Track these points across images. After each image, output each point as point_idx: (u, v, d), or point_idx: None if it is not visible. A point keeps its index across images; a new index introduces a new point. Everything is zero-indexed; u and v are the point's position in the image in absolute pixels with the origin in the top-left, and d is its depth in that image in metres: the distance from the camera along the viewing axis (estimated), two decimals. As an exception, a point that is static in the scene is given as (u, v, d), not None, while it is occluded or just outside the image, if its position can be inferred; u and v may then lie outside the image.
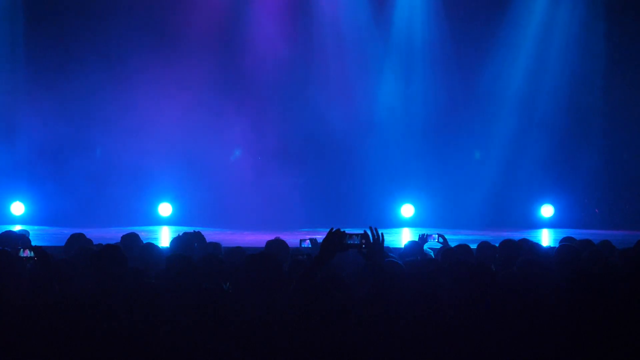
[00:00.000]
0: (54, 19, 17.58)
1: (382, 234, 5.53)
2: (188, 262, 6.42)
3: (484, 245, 8.43)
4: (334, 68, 17.60)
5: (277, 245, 8.22)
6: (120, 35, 17.43)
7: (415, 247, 8.83)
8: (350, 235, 5.53)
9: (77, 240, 8.66)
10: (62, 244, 8.74)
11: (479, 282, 5.81)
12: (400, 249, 9.23)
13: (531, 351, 5.24)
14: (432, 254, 8.74)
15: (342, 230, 5.55)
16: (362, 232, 5.55)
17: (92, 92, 17.50)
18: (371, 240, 5.49)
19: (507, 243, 8.05)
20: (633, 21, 16.87)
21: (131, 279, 6.44)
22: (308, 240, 8.99)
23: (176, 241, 8.35)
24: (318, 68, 17.66)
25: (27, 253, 6.48)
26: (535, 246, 8.35)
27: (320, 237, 9.05)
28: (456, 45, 17.43)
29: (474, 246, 8.57)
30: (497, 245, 8.20)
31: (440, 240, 9.05)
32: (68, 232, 8.96)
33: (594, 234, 14.16)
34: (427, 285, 6.16)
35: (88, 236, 8.89)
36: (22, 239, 8.89)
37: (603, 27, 16.90)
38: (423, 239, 9.14)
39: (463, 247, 8.36)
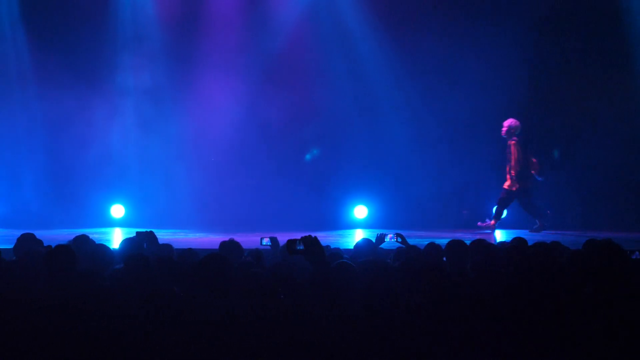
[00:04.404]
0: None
1: (315, 237, 5.54)
2: (146, 262, 6.37)
3: (431, 246, 8.46)
4: (288, 66, 17.56)
5: (230, 246, 8.19)
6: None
7: (368, 247, 8.82)
8: (299, 241, 5.55)
9: (26, 241, 8.58)
10: (12, 245, 8.64)
11: (433, 282, 5.91)
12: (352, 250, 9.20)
13: (484, 351, 5.27)
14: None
15: (313, 235, 5.57)
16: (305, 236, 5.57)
17: (44, 93, 17.32)
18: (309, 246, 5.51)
19: (455, 243, 8.10)
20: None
21: (82, 280, 6.40)
22: (268, 239, 8.94)
23: (127, 241, 8.31)
24: (276, 64, 17.61)
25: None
26: (488, 246, 8.42)
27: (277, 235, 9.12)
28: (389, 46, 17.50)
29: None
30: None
31: (399, 239, 9.03)
32: (19, 234, 8.85)
33: (544, 235, 14.32)
34: (382, 285, 6.11)
35: (39, 237, 8.80)
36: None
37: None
38: (381, 238, 9.16)
39: (431, 247, 8.38)
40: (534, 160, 16.38)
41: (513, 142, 16.20)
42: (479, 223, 16.39)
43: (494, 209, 16.47)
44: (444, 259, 8.04)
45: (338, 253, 8.02)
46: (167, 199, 17.51)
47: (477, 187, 17.54)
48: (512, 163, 16.17)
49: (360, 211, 17.81)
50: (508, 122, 16.23)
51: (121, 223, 17.59)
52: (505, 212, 16.54)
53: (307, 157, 18.15)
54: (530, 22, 16.97)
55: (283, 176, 17.59)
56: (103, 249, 7.98)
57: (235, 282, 5.89)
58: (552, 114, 17.39)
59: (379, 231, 9.66)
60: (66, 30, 17.42)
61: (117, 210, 17.90)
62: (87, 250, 7.96)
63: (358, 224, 17.55)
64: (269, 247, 8.88)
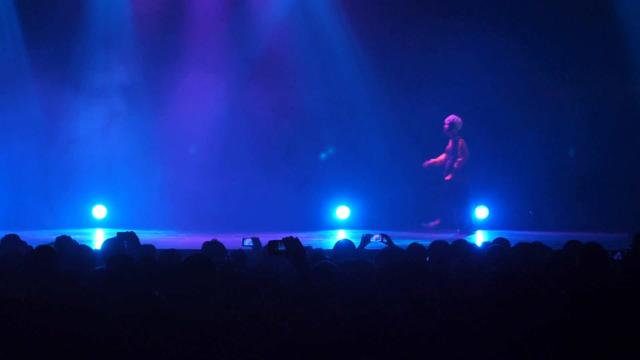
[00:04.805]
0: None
1: (296, 238, 5.54)
2: (127, 263, 6.35)
3: (414, 246, 8.43)
4: (270, 67, 17.54)
5: (213, 247, 8.18)
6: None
7: (348, 246, 8.80)
8: (280, 242, 5.55)
9: (9, 242, 8.55)
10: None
11: (416, 283, 5.91)
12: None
13: (467, 351, 5.28)
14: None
15: (294, 237, 5.57)
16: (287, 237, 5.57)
17: (23, 93, 17.25)
18: (290, 247, 5.51)
19: (437, 244, 8.10)
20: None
21: (63, 281, 6.35)
22: (250, 239, 8.95)
23: (109, 242, 8.30)
24: (259, 65, 17.58)
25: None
26: (470, 247, 8.43)
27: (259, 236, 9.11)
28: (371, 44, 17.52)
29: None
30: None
31: (384, 240, 9.02)
32: (1, 234, 8.82)
33: (527, 235, 14.34)
34: (364, 286, 6.14)
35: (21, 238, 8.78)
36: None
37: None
38: (366, 239, 9.15)
39: (415, 247, 8.37)
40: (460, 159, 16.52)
41: (462, 139, 16.28)
42: (458, 230, 16.45)
43: (461, 211, 16.54)
44: (427, 259, 8.02)
45: (320, 254, 8.00)
46: (150, 200, 17.44)
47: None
48: (463, 157, 16.23)
49: (342, 212, 17.79)
50: (450, 119, 16.31)
51: (103, 224, 17.52)
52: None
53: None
54: (512, 19, 16.99)
55: (265, 177, 17.56)
56: (85, 249, 7.92)
57: (219, 283, 5.87)
58: (535, 113, 17.40)
59: (363, 232, 9.65)
60: (45, 29, 17.36)
61: (99, 211, 17.81)
62: (69, 251, 7.96)
63: (340, 225, 17.54)
64: (250, 248, 8.86)
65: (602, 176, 17.11)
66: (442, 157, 16.47)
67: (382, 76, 17.50)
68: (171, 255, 7.84)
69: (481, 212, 17.32)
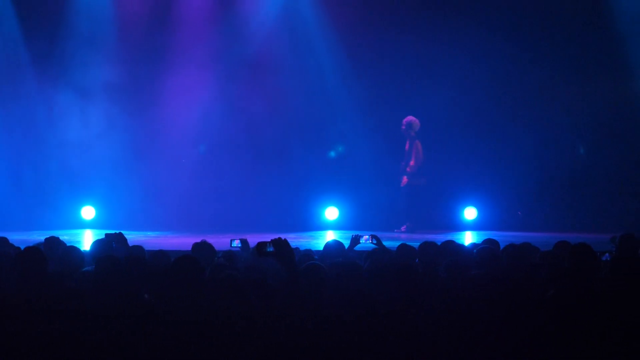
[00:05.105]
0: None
1: (285, 239, 5.55)
2: (116, 263, 6.34)
3: (404, 247, 8.42)
4: (258, 69, 17.53)
5: (203, 248, 8.16)
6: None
7: (337, 247, 8.79)
8: (269, 243, 5.55)
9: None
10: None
11: (405, 283, 5.89)
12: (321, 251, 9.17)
13: (456, 351, 5.29)
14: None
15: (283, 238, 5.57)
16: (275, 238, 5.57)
17: (10, 92, 17.20)
18: (278, 248, 5.51)
19: (427, 245, 8.11)
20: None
21: (52, 282, 6.35)
22: (238, 240, 8.94)
23: (98, 243, 8.28)
24: (247, 66, 17.57)
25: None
26: (460, 248, 8.44)
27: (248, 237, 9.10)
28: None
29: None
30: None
31: (374, 241, 9.00)
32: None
33: (516, 236, 14.35)
34: (352, 286, 6.18)
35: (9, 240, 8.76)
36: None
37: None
38: (356, 240, 9.13)
39: (404, 248, 8.36)
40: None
41: (418, 141, 16.40)
42: (402, 228, 16.50)
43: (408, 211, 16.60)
44: (417, 260, 8.02)
45: (309, 254, 8.00)
46: (138, 200, 17.40)
47: (448, 186, 17.54)
48: (416, 161, 16.43)
49: (331, 213, 17.78)
50: (407, 119, 16.38)
51: (92, 225, 17.46)
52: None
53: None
54: (500, 20, 17.02)
55: (254, 178, 17.55)
56: (73, 250, 7.92)
57: (208, 284, 5.86)
58: (523, 114, 17.42)
59: (352, 233, 9.64)
60: (30, 28, 17.29)
61: (88, 212, 17.76)
62: (58, 252, 7.95)
63: (329, 226, 17.53)
64: (239, 249, 8.85)
65: (590, 177, 17.15)
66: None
67: (372, 77, 17.47)
68: (161, 256, 7.83)
69: (470, 213, 17.35)
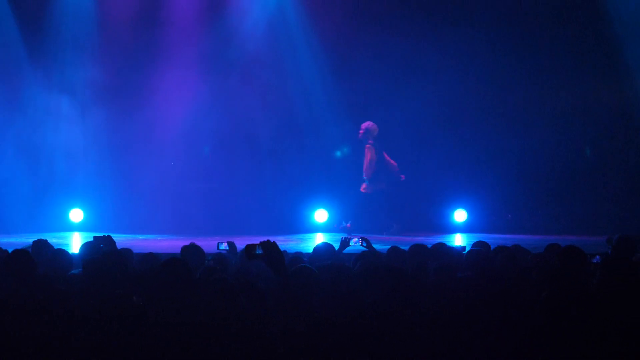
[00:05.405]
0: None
1: (274, 242, 5.54)
2: (104, 266, 6.30)
3: (394, 250, 8.41)
4: (246, 70, 17.49)
5: (192, 251, 8.11)
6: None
7: (327, 250, 8.76)
8: (258, 245, 5.54)
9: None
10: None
11: (394, 286, 5.90)
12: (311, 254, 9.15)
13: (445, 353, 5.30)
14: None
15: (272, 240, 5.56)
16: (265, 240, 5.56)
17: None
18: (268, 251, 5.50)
19: (417, 248, 8.11)
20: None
21: (40, 285, 6.34)
22: (225, 243, 8.89)
23: (86, 246, 8.25)
24: (235, 69, 17.52)
25: None
26: (450, 250, 8.44)
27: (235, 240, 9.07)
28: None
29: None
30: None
31: (364, 243, 8.98)
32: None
33: (506, 239, 14.35)
34: (342, 289, 6.19)
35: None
36: None
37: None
38: (345, 242, 9.11)
39: (394, 250, 8.34)
40: (393, 162, 16.61)
41: (368, 145, 16.42)
42: (347, 224, 16.52)
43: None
44: (407, 262, 8.01)
45: (299, 257, 7.98)
46: (127, 203, 17.32)
47: (437, 188, 17.52)
48: (366, 166, 16.41)
49: (320, 215, 17.73)
50: (365, 125, 16.44)
51: (80, 227, 17.37)
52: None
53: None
54: (487, 23, 17.02)
55: (243, 180, 17.49)
56: (62, 253, 7.93)
57: (197, 287, 5.85)
58: (513, 116, 17.43)
59: (341, 235, 9.60)
60: (16, 29, 17.20)
61: (76, 215, 17.67)
62: (46, 255, 7.92)
63: (318, 228, 17.48)
64: (226, 252, 8.81)
65: (580, 179, 17.16)
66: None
67: (363, 80, 17.43)
68: (150, 258, 7.80)
69: (460, 215, 17.34)
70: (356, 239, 9.05)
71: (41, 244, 8.51)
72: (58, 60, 17.22)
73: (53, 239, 10.28)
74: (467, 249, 8.67)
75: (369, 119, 17.15)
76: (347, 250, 9.20)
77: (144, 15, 17.29)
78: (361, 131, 16.45)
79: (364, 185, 16.60)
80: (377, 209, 16.64)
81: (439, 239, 13.62)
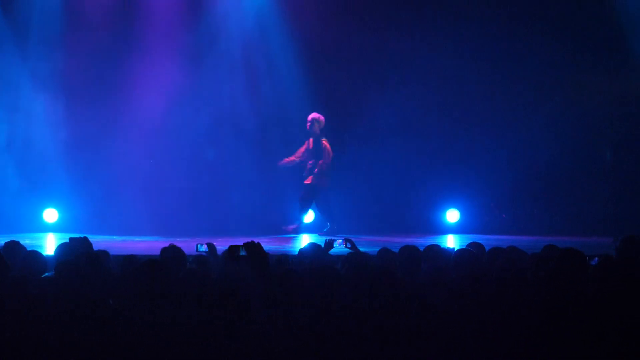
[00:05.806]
0: None
1: (258, 243, 5.47)
2: (77, 269, 6.25)
3: (384, 251, 8.38)
4: (230, 65, 17.34)
5: (172, 252, 8.00)
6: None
7: (314, 252, 8.63)
8: (241, 247, 5.50)
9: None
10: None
11: (383, 287, 5.90)
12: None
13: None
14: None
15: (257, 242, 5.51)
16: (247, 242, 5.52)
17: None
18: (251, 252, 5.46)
19: (407, 248, 8.04)
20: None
21: (12, 288, 6.26)
22: (205, 245, 8.81)
23: (62, 248, 8.10)
24: (221, 65, 17.36)
25: None
26: (442, 252, 8.36)
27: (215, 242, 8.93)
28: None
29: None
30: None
31: (348, 245, 8.96)
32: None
33: (500, 239, 14.28)
34: (329, 292, 6.09)
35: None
36: None
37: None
38: (329, 244, 9.04)
39: (384, 252, 8.30)
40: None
41: (325, 139, 16.29)
42: (289, 227, 16.39)
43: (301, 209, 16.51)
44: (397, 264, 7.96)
45: (283, 260, 7.96)
46: (105, 203, 17.18)
47: (430, 187, 17.39)
48: (325, 159, 16.23)
49: (307, 215, 17.52)
50: (312, 116, 16.31)
51: (55, 228, 17.17)
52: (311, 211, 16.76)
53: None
54: (484, 20, 17.04)
55: (226, 178, 17.41)
56: (35, 255, 7.83)
57: (177, 290, 5.79)
58: (508, 115, 17.36)
59: (326, 237, 9.62)
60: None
61: (50, 215, 17.43)
62: (19, 257, 7.87)
63: (304, 229, 17.28)
64: (205, 254, 8.66)
65: (574, 180, 17.23)
66: (298, 154, 16.50)
67: (352, 77, 17.45)
68: (128, 261, 7.70)
69: (452, 215, 17.26)
70: (340, 241, 9.05)
71: (13, 246, 8.45)
72: (27, 53, 16.96)
73: (26, 240, 10.15)
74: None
75: (359, 115, 17.16)
76: (332, 252, 9.14)
77: (119, 7, 17.12)
78: (308, 123, 16.24)
79: (312, 178, 16.31)
80: (324, 205, 16.41)
81: (430, 240, 13.62)
